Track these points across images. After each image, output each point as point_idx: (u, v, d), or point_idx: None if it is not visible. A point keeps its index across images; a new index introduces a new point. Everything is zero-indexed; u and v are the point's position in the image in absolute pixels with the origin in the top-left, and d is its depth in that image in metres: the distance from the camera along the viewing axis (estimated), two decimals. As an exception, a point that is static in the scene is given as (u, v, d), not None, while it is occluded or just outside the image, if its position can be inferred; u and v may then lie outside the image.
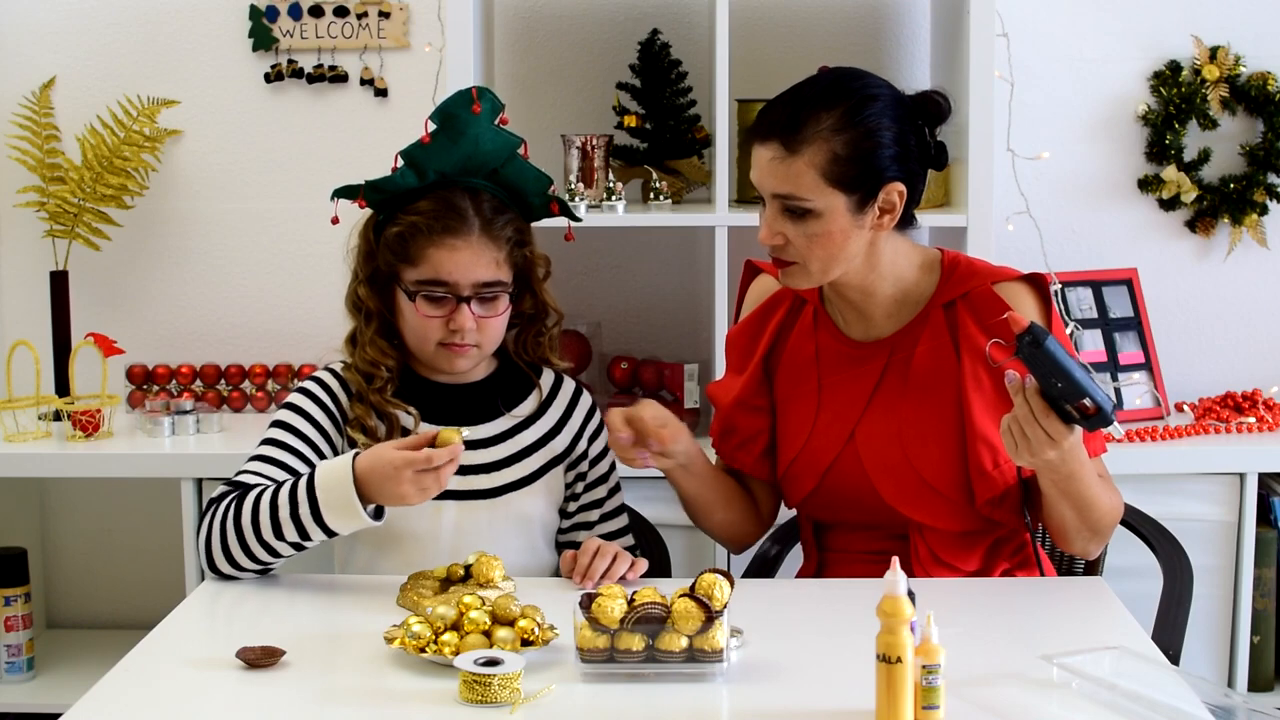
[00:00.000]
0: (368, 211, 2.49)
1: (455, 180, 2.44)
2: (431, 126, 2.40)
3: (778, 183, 2.28)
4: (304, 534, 2.26)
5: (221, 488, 2.39)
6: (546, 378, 2.57)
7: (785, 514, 2.64)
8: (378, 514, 2.27)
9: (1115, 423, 2.10)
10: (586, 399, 2.59)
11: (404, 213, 2.43)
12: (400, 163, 2.43)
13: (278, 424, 2.46)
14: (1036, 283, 2.37)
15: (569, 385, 2.58)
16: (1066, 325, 3.34)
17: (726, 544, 2.61)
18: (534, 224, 2.53)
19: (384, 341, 2.47)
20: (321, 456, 2.44)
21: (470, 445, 2.47)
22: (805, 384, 2.45)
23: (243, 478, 2.40)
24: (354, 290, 2.50)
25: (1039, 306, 2.36)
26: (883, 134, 2.27)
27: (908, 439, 2.36)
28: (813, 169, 2.26)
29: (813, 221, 2.28)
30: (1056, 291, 3.33)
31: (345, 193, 2.45)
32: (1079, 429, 2.12)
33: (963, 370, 2.34)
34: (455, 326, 2.40)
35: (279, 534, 2.27)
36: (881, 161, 2.28)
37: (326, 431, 2.45)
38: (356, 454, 2.27)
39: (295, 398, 2.48)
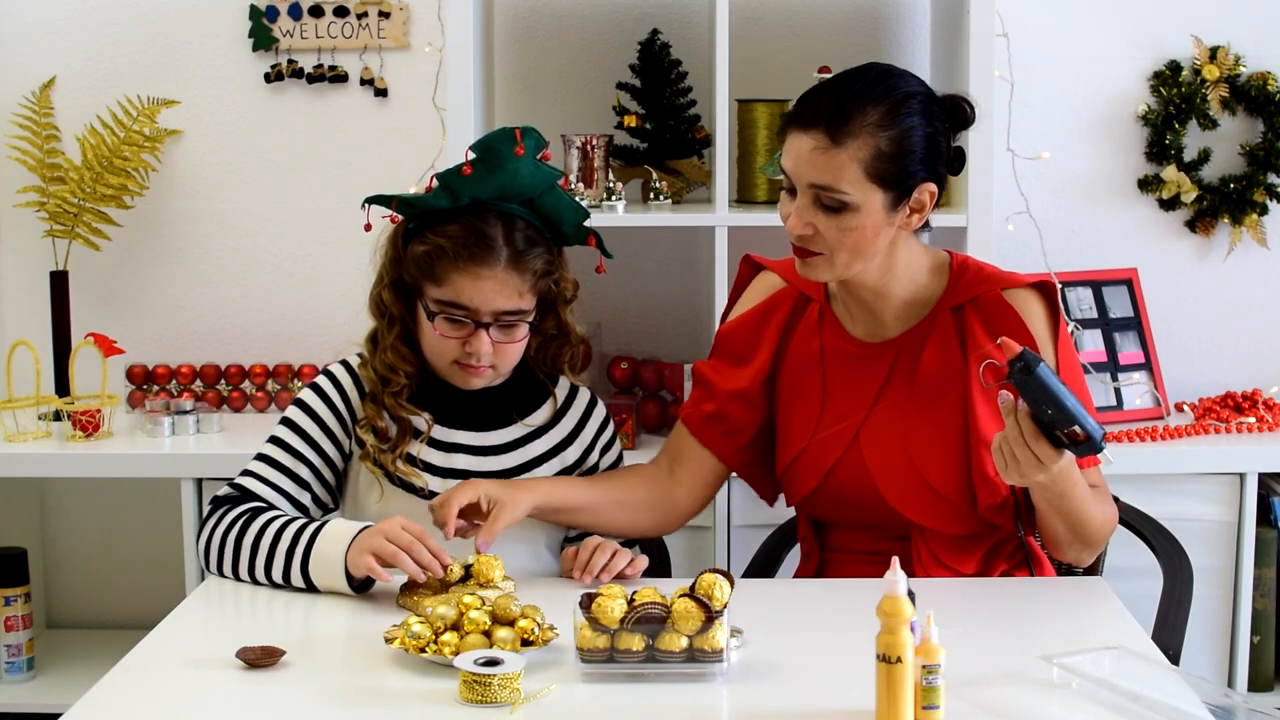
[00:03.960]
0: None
1: (490, 205, 2.40)
2: (471, 156, 2.36)
3: (817, 173, 2.26)
4: (287, 573, 2.27)
5: (225, 489, 2.40)
6: (561, 387, 2.55)
7: (786, 513, 2.64)
8: (362, 587, 2.26)
9: (1105, 451, 2.10)
10: (600, 411, 2.57)
11: (433, 232, 2.39)
12: (435, 184, 2.39)
13: (286, 422, 2.45)
14: (1045, 290, 2.37)
15: (584, 396, 2.56)
16: (1068, 325, 3.34)
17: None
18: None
19: (405, 348, 2.45)
20: (326, 459, 2.44)
21: (481, 452, 2.47)
22: (809, 383, 2.44)
23: (245, 480, 2.40)
24: (377, 293, 2.48)
25: (1047, 314, 2.35)
26: (922, 133, 2.27)
27: (912, 442, 2.36)
28: (856, 163, 2.24)
29: (848, 215, 2.26)
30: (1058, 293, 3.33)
31: (377, 202, 2.43)
32: (1069, 453, 2.11)
33: (969, 375, 2.33)
34: (471, 350, 2.38)
35: (269, 566, 2.28)
36: (918, 161, 2.27)
37: (334, 433, 2.45)
38: (368, 526, 2.27)
39: (306, 395, 2.47)
